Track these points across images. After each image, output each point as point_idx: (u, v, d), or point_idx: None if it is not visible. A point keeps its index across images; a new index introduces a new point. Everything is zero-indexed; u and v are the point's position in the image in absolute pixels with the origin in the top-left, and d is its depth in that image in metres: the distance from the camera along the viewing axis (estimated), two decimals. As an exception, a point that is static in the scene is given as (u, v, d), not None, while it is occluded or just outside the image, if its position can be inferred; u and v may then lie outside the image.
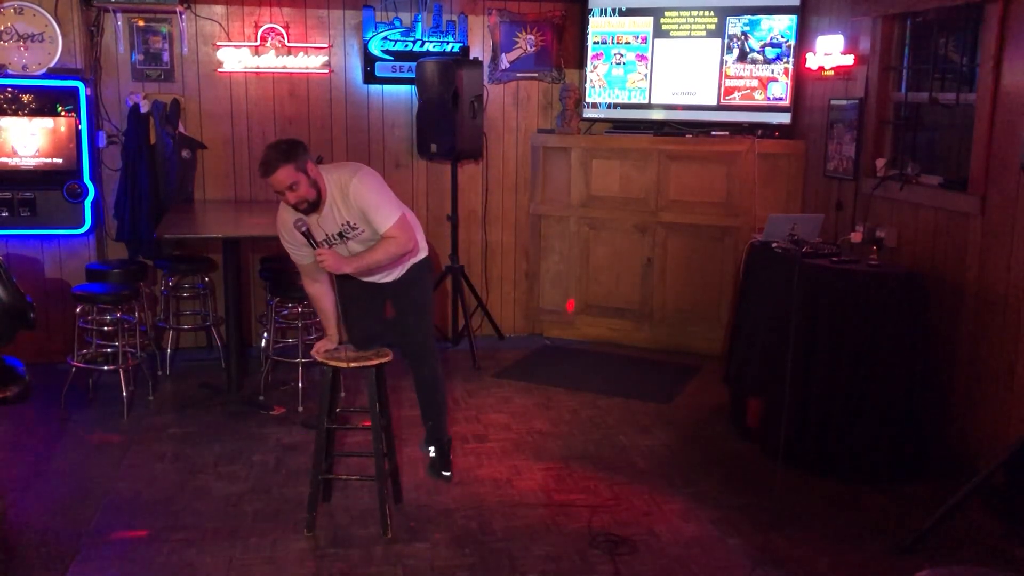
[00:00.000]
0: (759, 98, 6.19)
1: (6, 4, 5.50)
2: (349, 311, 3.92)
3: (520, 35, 6.57)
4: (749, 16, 6.14)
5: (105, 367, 5.35)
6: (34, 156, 5.56)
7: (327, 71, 6.28)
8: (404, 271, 4.02)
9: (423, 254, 4.06)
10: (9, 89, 5.48)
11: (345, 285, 3.84)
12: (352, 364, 3.77)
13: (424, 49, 6.31)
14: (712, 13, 6.22)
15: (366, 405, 3.86)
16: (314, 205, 3.62)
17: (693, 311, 6.36)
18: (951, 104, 4.68)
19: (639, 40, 6.42)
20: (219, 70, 6.12)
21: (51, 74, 5.58)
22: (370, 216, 3.67)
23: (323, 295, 3.92)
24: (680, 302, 6.39)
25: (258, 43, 6.12)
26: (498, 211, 6.76)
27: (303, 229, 3.60)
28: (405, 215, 3.80)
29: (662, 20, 6.35)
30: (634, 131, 6.47)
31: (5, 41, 5.52)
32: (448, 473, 4.27)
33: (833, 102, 5.64)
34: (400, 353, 4.09)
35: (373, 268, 3.79)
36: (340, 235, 3.75)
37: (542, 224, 6.71)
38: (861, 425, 4.27)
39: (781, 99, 6.14)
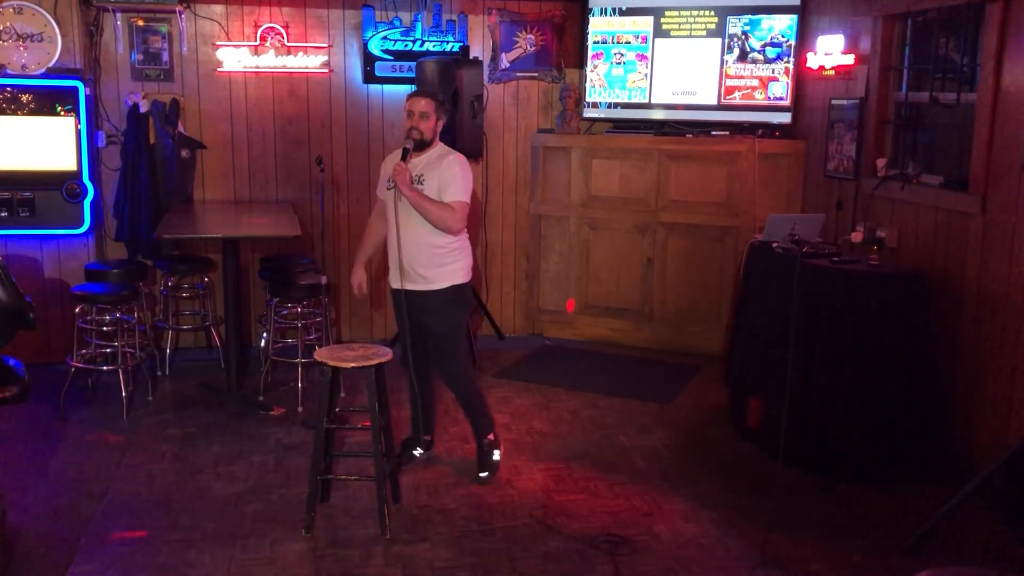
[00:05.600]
0: (759, 98, 6.19)
1: (5, 4, 5.50)
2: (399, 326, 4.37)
3: (520, 35, 6.56)
4: (749, 16, 6.14)
5: (104, 367, 5.34)
6: (33, 156, 5.55)
7: (327, 71, 6.27)
8: (440, 286, 4.19)
9: (462, 277, 4.26)
10: (8, 89, 5.47)
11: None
12: (352, 364, 3.77)
13: (424, 49, 6.31)
14: (712, 13, 6.22)
15: (366, 405, 3.85)
16: (419, 144, 4.13)
17: (693, 311, 6.35)
18: (952, 104, 4.68)
19: (639, 40, 6.42)
20: (219, 70, 6.11)
21: (50, 74, 5.57)
22: (446, 186, 4.09)
23: (374, 231, 4.45)
24: (680, 302, 6.38)
25: (258, 43, 6.12)
26: (498, 211, 6.75)
27: (410, 145, 4.10)
28: (467, 207, 4.17)
29: (662, 20, 6.35)
30: (634, 131, 6.46)
31: (4, 41, 5.51)
32: (483, 474, 4.34)
33: (834, 102, 5.63)
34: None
35: (420, 209, 4.08)
36: (411, 179, 4.16)
37: (542, 224, 6.70)
38: (861, 425, 4.27)
39: (781, 99, 6.14)
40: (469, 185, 4.17)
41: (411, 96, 4.18)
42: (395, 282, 4.24)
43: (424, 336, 4.30)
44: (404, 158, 4.08)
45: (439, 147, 4.21)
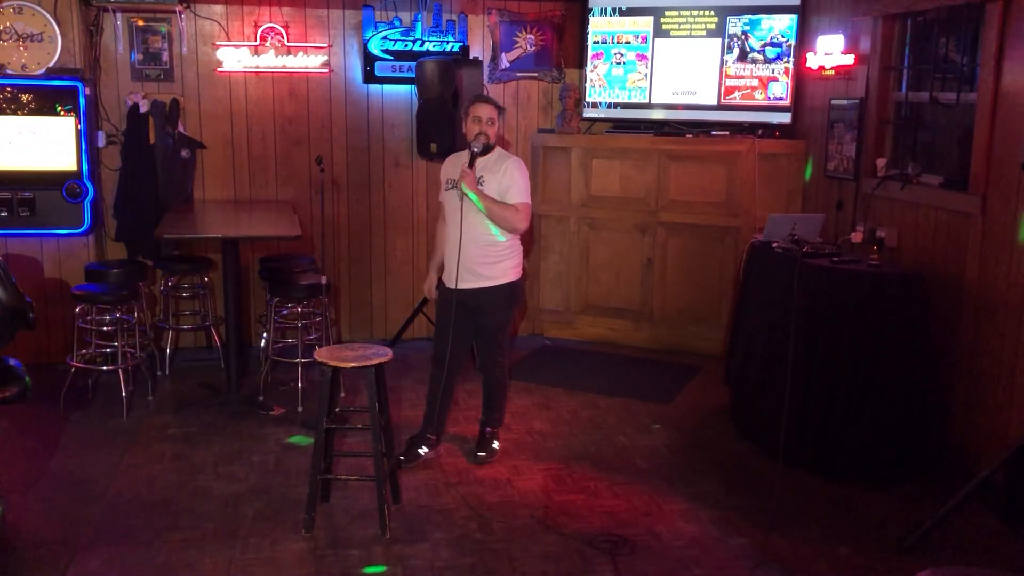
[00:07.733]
0: (759, 98, 6.19)
1: (5, 4, 5.50)
2: (438, 321, 4.58)
3: (520, 35, 6.57)
4: (749, 16, 6.14)
5: (104, 367, 5.35)
6: (33, 156, 5.55)
7: (327, 71, 6.27)
8: (498, 283, 4.40)
9: (516, 275, 4.49)
10: (8, 89, 5.47)
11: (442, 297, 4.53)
12: (352, 364, 3.77)
13: (424, 49, 6.31)
14: (712, 13, 6.22)
15: (366, 405, 3.85)
16: (482, 148, 4.31)
17: (693, 311, 6.35)
18: (951, 104, 4.68)
19: (639, 40, 6.42)
20: (219, 70, 6.11)
21: (50, 74, 5.57)
22: (509, 189, 4.30)
23: (443, 234, 4.54)
24: (680, 302, 6.38)
25: (258, 43, 6.12)
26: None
27: (477, 148, 4.27)
28: (531, 208, 4.40)
29: (662, 20, 6.35)
30: (634, 131, 6.46)
31: (4, 41, 5.52)
32: (481, 454, 4.57)
33: (833, 102, 5.63)
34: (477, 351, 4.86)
35: (488, 212, 4.28)
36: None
37: (542, 224, 6.70)
38: (861, 425, 4.27)
39: (781, 99, 6.14)
40: (527, 185, 4.40)
41: (477, 103, 4.37)
42: (450, 281, 4.41)
43: (472, 332, 4.52)
44: (471, 163, 4.28)
45: (498, 151, 4.43)
